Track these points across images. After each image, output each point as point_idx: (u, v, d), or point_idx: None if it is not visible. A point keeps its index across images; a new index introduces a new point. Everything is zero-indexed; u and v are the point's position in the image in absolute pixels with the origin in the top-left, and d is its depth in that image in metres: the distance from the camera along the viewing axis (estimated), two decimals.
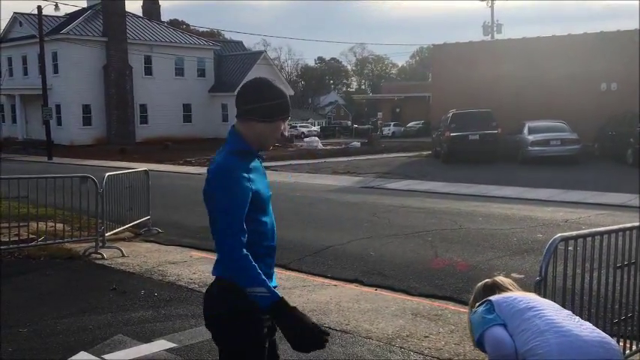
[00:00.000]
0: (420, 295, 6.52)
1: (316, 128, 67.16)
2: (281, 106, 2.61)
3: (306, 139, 44.89)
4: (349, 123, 71.96)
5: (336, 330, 5.30)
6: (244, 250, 2.44)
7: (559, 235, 3.20)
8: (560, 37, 25.73)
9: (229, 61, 47.91)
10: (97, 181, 8.67)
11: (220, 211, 2.46)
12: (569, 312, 2.59)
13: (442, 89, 28.10)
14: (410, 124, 52.55)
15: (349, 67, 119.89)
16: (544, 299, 2.69)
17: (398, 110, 57.82)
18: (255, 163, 2.62)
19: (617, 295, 3.71)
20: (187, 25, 72.77)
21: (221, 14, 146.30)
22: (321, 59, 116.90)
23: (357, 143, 40.31)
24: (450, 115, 22.90)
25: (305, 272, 7.63)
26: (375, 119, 63.88)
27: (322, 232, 10.04)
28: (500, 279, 2.88)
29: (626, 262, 3.69)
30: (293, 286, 6.90)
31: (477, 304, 2.76)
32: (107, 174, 9.03)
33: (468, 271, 7.29)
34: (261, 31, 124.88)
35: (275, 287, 2.59)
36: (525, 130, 21.53)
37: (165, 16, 51.78)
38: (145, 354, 4.76)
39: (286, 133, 2.67)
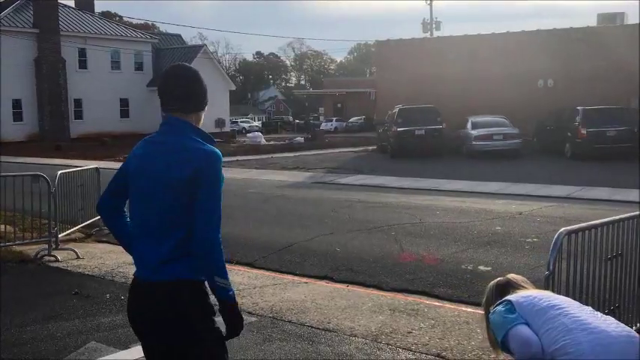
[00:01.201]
0: (393, 290, 6.53)
1: (257, 123, 66.74)
2: (204, 95, 2.64)
3: (249, 135, 44.44)
4: (291, 118, 71.83)
5: (319, 329, 5.22)
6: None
7: (564, 229, 3.23)
8: (499, 34, 26.54)
9: (168, 55, 46.67)
10: (49, 179, 8.22)
11: (217, 200, 2.44)
12: (591, 308, 2.60)
13: (387, 85, 28.44)
14: (352, 120, 52.97)
15: (288, 63, 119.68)
16: (562, 296, 2.70)
17: (339, 105, 58.16)
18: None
19: (608, 286, 3.81)
20: (121, 17, 70.51)
21: (155, 6, 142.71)
22: (259, 54, 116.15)
23: (300, 138, 40.22)
24: (396, 110, 23.20)
25: (272, 270, 7.51)
26: (317, 114, 64.03)
27: (283, 229, 9.92)
28: (513, 276, 2.87)
29: (614, 254, 3.79)
30: (263, 285, 6.76)
31: (495, 304, 2.73)
32: (59, 172, 8.58)
33: (436, 265, 7.37)
34: (198, 25, 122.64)
35: None
36: (469, 125, 22.09)
37: (97, 8, 49.82)
38: None
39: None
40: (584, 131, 19.42)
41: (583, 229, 3.38)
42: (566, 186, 14.01)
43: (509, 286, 2.78)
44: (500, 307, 2.65)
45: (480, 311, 5.73)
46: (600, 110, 19.95)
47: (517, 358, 2.55)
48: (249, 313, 5.65)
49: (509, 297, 2.68)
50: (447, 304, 5.98)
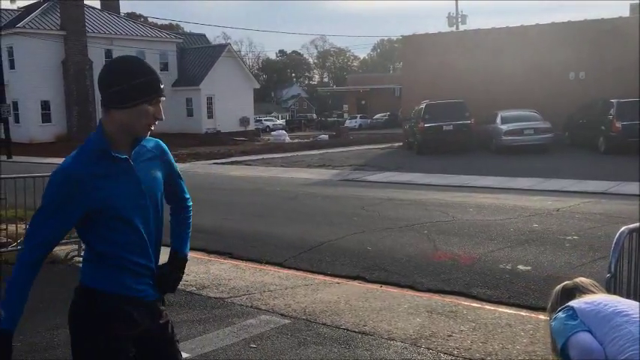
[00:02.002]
0: (429, 290, 6.31)
1: (281, 122, 66.76)
2: (142, 86, 2.20)
3: (273, 133, 44.50)
4: (314, 116, 71.72)
5: (355, 332, 5.04)
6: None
7: (625, 227, 2.99)
8: (528, 26, 25.96)
9: (193, 55, 46.93)
10: None
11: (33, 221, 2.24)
12: None
13: (413, 80, 28.05)
14: (376, 116, 52.62)
15: (311, 60, 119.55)
16: (631, 301, 2.46)
17: (363, 102, 57.82)
18: (111, 167, 2.24)
19: None
20: (145, 18, 71.13)
21: (179, 7, 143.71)
22: (282, 52, 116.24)
23: (324, 136, 40.11)
24: (424, 106, 22.85)
25: (303, 270, 7.34)
26: (341, 111, 63.80)
27: (312, 228, 9.75)
28: (582, 280, 2.64)
29: None
30: (295, 285, 6.60)
31: (558, 309, 2.51)
32: None
33: (472, 264, 7.12)
34: (222, 24, 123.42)
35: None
36: (498, 120, 21.64)
37: (122, 9, 50.28)
38: None
39: (162, 117, 2.26)
40: (618, 124, 18.85)
41: None
42: (602, 181, 13.60)
43: (576, 291, 2.56)
44: (561, 314, 2.44)
45: (523, 313, 5.53)
46: (635, 103, 19.33)
47: None
48: (282, 315, 5.50)
49: (571, 303, 2.46)
50: (487, 306, 5.75)
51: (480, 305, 5.77)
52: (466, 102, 22.80)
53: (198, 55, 46.71)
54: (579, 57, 23.71)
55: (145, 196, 2.31)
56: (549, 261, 7.09)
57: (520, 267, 6.91)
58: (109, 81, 2.22)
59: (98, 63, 40.90)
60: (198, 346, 4.77)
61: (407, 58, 30.13)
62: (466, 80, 25.24)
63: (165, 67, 45.19)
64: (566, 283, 2.65)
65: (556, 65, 24.04)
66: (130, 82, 2.19)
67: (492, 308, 5.65)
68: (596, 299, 2.47)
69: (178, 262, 2.54)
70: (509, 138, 20.81)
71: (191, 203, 2.64)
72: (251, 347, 4.74)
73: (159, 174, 2.39)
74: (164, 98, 2.28)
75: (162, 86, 2.27)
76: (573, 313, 2.40)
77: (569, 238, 8.16)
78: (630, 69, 22.26)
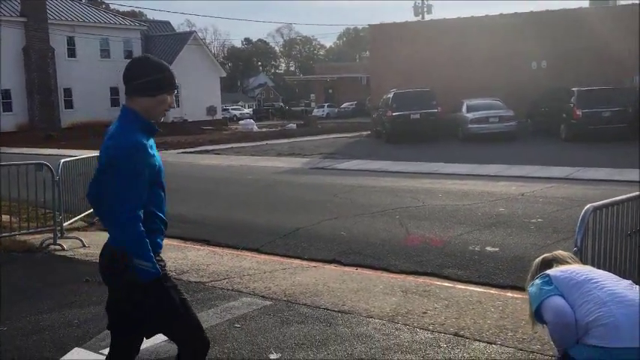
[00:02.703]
0: (402, 272, 6.56)
1: (248, 111, 66.50)
2: (162, 80, 2.78)
3: (241, 122, 44.39)
4: (282, 105, 71.60)
5: (335, 311, 5.25)
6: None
7: (590, 205, 3.26)
8: (493, 16, 26.50)
9: (158, 43, 46.28)
10: (53, 168, 8.17)
11: (121, 188, 2.67)
12: (630, 281, 2.63)
13: (381, 69, 28.35)
14: (344, 105, 52.85)
15: (277, 49, 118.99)
16: (601, 271, 2.73)
17: (331, 91, 57.98)
18: (151, 140, 2.83)
19: (631, 261, 3.87)
20: (107, 5, 69.69)
21: None
22: (248, 40, 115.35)
23: (293, 125, 40.17)
24: (392, 94, 23.16)
25: (280, 255, 7.52)
26: (308, 100, 63.84)
27: (287, 214, 9.93)
28: (560, 253, 2.90)
29: (635, 229, 3.84)
30: (273, 270, 6.77)
31: (537, 275, 2.77)
32: (62, 160, 8.52)
33: (443, 247, 7.41)
34: (185, 11, 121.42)
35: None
36: (464, 109, 22.11)
37: None
38: (145, 347, 4.50)
39: (173, 105, 2.92)
40: (579, 112, 19.49)
41: (607, 205, 3.42)
42: (564, 167, 14.11)
43: (554, 262, 2.81)
44: (538, 280, 2.69)
45: (492, 291, 5.84)
46: (594, 91, 20.02)
47: (550, 328, 2.58)
48: (263, 297, 5.67)
49: (548, 271, 2.72)
50: (458, 285, 6.02)
51: (451, 285, 6.05)
52: (433, 91, 23.20)
53: (163, 43, 46.10)
54: (541, 47, 24.34)
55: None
56: (515, 242, 7.43)
57: (488, 248, 7.23)
58: (137, 74, 2.76)
59: (61, 50, 40.06)
60: None
61: (375, 47, 30.41)
62: (433, 69, 25.65)
63: (129, 54, 44.43)
64: (545, 255, 2.90)
65: (519, 54, 24.64)
66: (155, 75, 2.75)
67: (463, 287, 5.93)
68: (571, 268, 2.73)
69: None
70: (475, 126, 21.30)
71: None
72: (235, 327, 4.90)
73: None
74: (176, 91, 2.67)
75: (176, 81, 2.85)
76: (549, 280, 2.65)
77: (534, 220, 8.53)
78: (590, 58, 22.99)
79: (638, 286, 2.61)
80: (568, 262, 2.79)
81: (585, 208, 3.23)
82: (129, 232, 2.62)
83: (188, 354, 2.91)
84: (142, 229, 2.64)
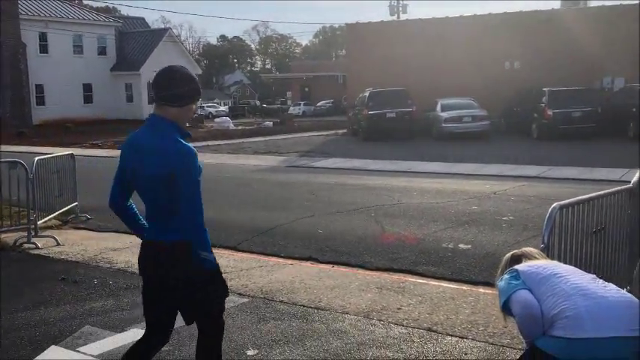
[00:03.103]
0: (377, 269, 6.67)
1: (224, 108, 66.12)
2: (190, 92, 2.97)
3: (217, 120, 44.09)
4: (258, 102, 71.37)
5: (311, 307, 5.33)
6: None
7: (556, 203, 3.39)
8: (467, 17, 26.83)
9: (132, 39, 45.79)
10: (27, 166, 8.09)
11: (197, 188, 2.92)
12: (593, 275, 2.75)
13: (356, 68, 28.50)
14: (320, 104, 52.95)
15: (253, 46, 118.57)
16: (568, 265, 2.85)
17: (307, 89, 58.03)
18: None
19: (595, 257, 4.03)
20: (80, 0, 68.70)
21: None
22: (223, 37, 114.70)
23: (269, 123, 40.11)
24: (368, 93, 23.34)
25: (257, 253, 7.57)
26: (284, 98, 63.76)
27: (264, 212, 9.98)
28: (529, 249, 3.01)
29: (599, 227, 3.99)
30: (250, 267, 6.83)
31: (504, 272, 2.88)
32: (36, 158, 8.44)
33: (417, 244, 7.54)
34: (160, 8, 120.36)
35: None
36: (438, 108, 22.37)
37: None
38: (124, 344, 4.55)
39: (196, 112, 3.12)
40: (550, 112, 19.89)
41: (573, 204, 3.56)
42: (536, 166, 14.40)
43: (522, 257, 2.92)
44: (506, 275, 2.80)
45: (465, 287, 5.98)
46: (565, 91, 20.44)
47: (517, 321, 2.69)
48: (240, 294, 5.73)
49: (516, 266, 2.83)
50: (432, 282, 6.15)
51: (425, 281, 6.18)
52: (408, 90, 23.42)
53: (137, 40, 45.63)
54: (514, 47, 24.74)
55: None
56: (488, 240, 7.60)
57: (461, 246, 7.39)
58: (167, 84, 2.95)
59: (33, 46, 39.40)
60: None
61: (351, 46, 30.54)
62: (408, 68, 25.88)
63: (103, 51, 43.98)
64: (514, 251, 3.02)
65: (492, 55, 25.00)
66: (184, 87, 2.95)
67: (437, 284, 6.06)
68: (538, 263, 2.85)
69: None
70: (449, 125, 21.58)
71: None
72: None
73: None
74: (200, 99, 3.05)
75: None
76: (517, 275, 2.76)
77: (506, 218, 8.72)
78: (561, 59, 23.43)
79: (601, 280, 2.73)
80: (536, 258, 2.91)
81: (552, 206, 3.36)
82: (202, 228, 2.92)
83: (215, 339, 3.20)
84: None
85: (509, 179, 12.61)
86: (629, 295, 2.62)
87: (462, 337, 4.57)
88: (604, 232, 4.15)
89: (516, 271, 2.77)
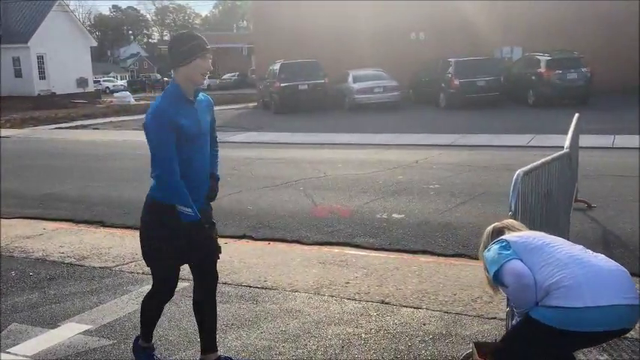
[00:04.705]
0: (315, 243, 6.55)
1: (122, 82, 63.12)
2: (192, 47, 3.17)
3: (116, 94, 41.95)
4: (159, 76, 68.69)
5: (258, 287, 5.14)
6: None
7: (520, 170, 3.39)
8: None
9: (17, 9, 42.21)
10: None
11: (152, 149, 3.22)
12: (582, 246, 2.76)
13: (263, 40, 27.97)
14: (225, 76, 51.77)
15: (149, 17, 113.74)
16: (554, 236, 2.83)
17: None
18: (186, 104, 3.25)
19: (542, 218, 4.14)
20: None
21: None
22: (116, 7, 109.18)
23: None
24: (278, 65, 22.97)
25: None
26: None
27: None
28: (511, 221, 2.97)
29: (545, 191, 4.10)
30: None
31: (491, 242, 2.82)
32: None
33: (351, 216, 7.50)
34: None
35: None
36: (350, 79, 22.46)
37: None
38: (60, 341, 4.15)
39: (210, 68, 3.26)
40: (456, 82, 20.54)
41: (532, 170, 3.59)
42: (448, 134, 14.83)
43: (505, 230, 2.87)
44: (495, 245, 2.74)
45: (406, 257, 5.99)
46: (470, 61, 21.16)
47: (510, 291, 2.64)
48: (180, 278, 5.40)
49: (504, 237, 2.77)
50: (372, 253, 6.12)
51: (366, 253, 6.14)
52: (320, 61, 23.30)
53: (24, 9, 42.15)
54: (419, 18, 25.21)
55: (201, 127, 3.32)
56: (419, 208, 7.70)
57: (395, 215, 7.43)
58: (170, 47, 3.25)
59: None
60: (98, 317, 4.57)
61: (257, 19, 29.89)
62: (316, 40, 25.73)
63: None
64: (495, 224, 2.96)
65: (398, 26, 25.36)
66: (184, 46, 3.17)
67: (377, 254, 6.04)
68: (526, 234, 2.81)
69: (215, 180, 3.66)
70: (361, 96, 21.75)
71: (218, 140, 3.71)
72: None
73: (208, 118, 3.45)
74: (210, 55, 3.21)
75: (208, 46, 3.20)
76: (507, 245, 2.70)
77: (432, 186, 8.89)
78: (466, 30, 24.19)
79: (590, 250, 2.74)
80: (519, 229, 2.88)
81: (516, 173, 3.36)
82: (163, 183, 3.29)
83: (213, 285, 3.79)
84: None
85: (425, 148, 12.89)
86: (616, 262, 2.64)
87: (417, 308, 4.56)
88: (550, 193, 4.26)
89: (506, 241, 2.72)
